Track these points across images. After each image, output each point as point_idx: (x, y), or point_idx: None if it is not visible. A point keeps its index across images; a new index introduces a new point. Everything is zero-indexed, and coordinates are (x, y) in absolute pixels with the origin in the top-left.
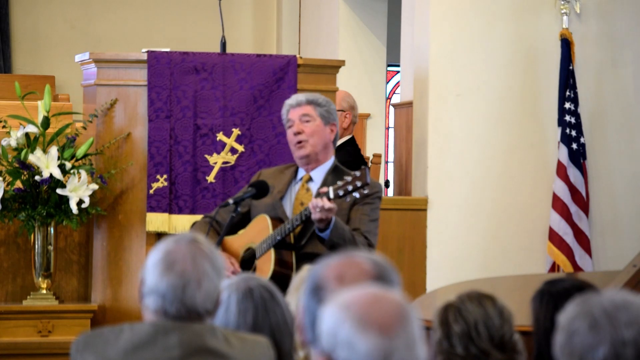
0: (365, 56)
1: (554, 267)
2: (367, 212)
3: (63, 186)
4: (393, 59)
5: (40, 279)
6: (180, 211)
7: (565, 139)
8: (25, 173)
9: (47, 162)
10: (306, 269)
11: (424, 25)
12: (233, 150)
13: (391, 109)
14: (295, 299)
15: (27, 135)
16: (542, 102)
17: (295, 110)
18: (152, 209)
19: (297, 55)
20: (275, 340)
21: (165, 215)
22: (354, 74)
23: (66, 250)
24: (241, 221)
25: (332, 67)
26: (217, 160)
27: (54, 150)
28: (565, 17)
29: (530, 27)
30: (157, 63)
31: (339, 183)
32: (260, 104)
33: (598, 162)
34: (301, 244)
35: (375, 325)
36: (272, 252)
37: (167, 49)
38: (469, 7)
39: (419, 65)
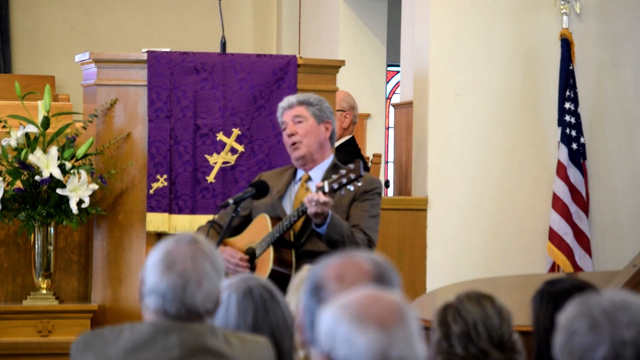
0: (365, 56)
1: (554, 267)
2: (367, 209)
3: (63, 186)
4: (393, 59)
5: (40, 279)
6: (180, 211)
7: (565, 139)
8: (25, 173)
9: (47, 162)
10: (306, 268)
11: (424, 25)
12: (233, 150)
13: (391, 109)
14: (295, 298)
15: (27, 135)
16: (542, 102)
17: (288, 112)
18: (152, 209)
19: (297, 55)
20: (275, 340)
21: (165, 215)
22: (354, 74)
23: (66, 250)
24: (244, 224)
25: (332, 67)
26: (217, 160)
27: (54, 150)
28: (565, 17)
29: (530, 27)
30: (157, 63)
31: (334, 177)
32: (260, 104)
33: (598, 162)
34: (301, 241)
35: (373, 321)
36: (270, 251)
37: (167, 49)
38: (469, 7)
39: (419, 65)
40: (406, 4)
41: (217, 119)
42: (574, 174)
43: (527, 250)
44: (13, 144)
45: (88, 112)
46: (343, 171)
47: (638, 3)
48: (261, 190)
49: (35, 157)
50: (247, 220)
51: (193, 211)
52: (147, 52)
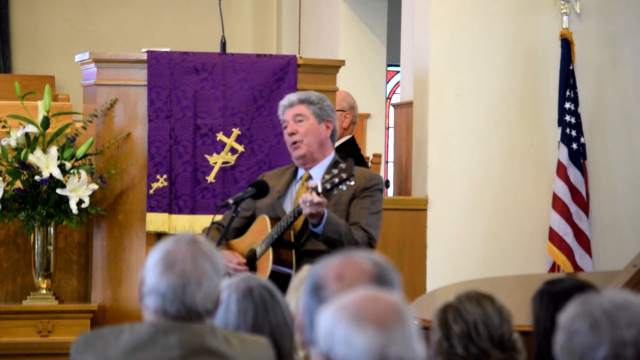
0: (365, 56)
1: (554, 267)
2: (367, 206)
3: (63, 186)
4: (393, 59)
5: (40, 279)
6: (180, 211)
7: (565, 139)
8: (25, 173)
9: (47, 162)
10: (306, 269)
11: (424, 25)
12: (233, 150)
13: (391, 109)
14: (295, 299)
15: (27, 135)
16: (542, 102)
17: (289, 111)
18: (152, 209)
19: (297, 55)
20: (275, 340)
21: (165, 215)
22: (354, 74)
23: (66, 250)
24: (248, 225)
25: (332, 67)
26: (217, 160)
27: (53, 150)
28: (565, 17)
29: (530, 27)
30: (157, 63)
31: (326, 177)
32: (260, 104)
33: (598, 162)
34: (301, 241)
35: (372, 321)
36: (270, 252)
37: (167, 49)
38: (469, 7)
39: (419, 65)
40: (406, 4)
41: (217, 119)
42: (574, 174)
43: (527, 250)
44: (13, 144)
45: (88, 112)
46: (335, 171)
47: (638, 3)
48: (261, 190)
49: (35, 157)
50: (251, 221)
51: (193, 211)
52: (147, 52)
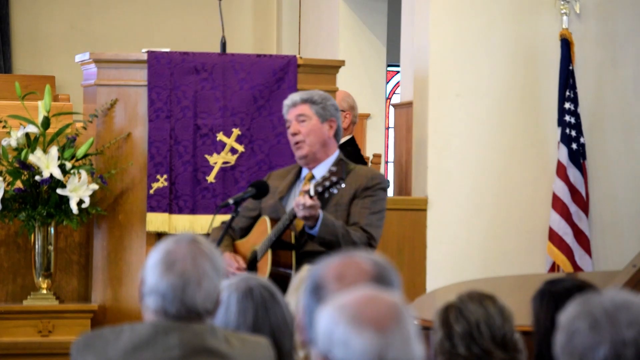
0: (365, 56)
1: (554, 267)
2: (368, 205)
3: (63, 186)
4: (393, 59)
5: (40, 279)
6: (180, 211)
7: (565, 139)
8: (25, 173)
9: (47, 162)
10: (306, 269)
11: (424, 25)
12: (233, 150)
13: (391, 109)
14: (295, 298)
15: (27, 135)
16: (542, 102)
17: (292, 111)
18: (152, 209)
19: (297, 56)
20: (275, 340)
21: (166, 215)
22: (354, 74)
23: (66, 250)
24: (254, 225)
25: (332, 67)
26: (217, 160)
27: (54, 150)
28: (565, 17)
29: (530, 27)
30: (157, 63)
31: (318, 180)
32: (260, 104)
33: (598, 162)
34: (301, 242)
35: (370, 322)
36: (269, 253)
37: (167, 49)
38: (469, 7)
39: (419, 65)
40: (406, 4)
41: (217, 119)
42: (573, 174)
43: (527, 250)
44: (13, 144)
45: (88, 112)
46: (327, 174)
47: (638, 3)
48: (261, 190)
49: (36, 157)
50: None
51: (193, 211)
52: (147, 52)
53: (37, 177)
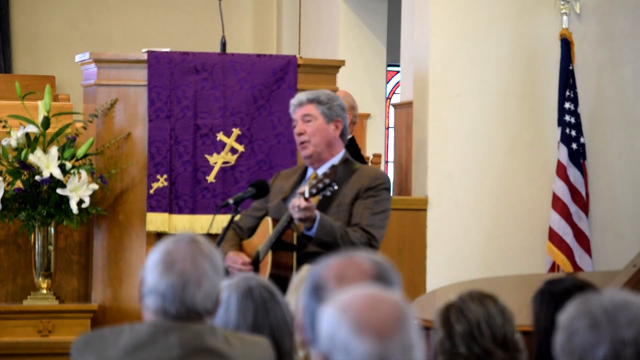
0: (365, 56)
1: (554, 267)
2: (370, 206)
3: (63, 186)
4: (393, 59)
5: (40, 278)
6: (180, 211)
7: (565, 139)
8: (25, 173)
9: (47, 162)
10: (306, 268)
11: (424, 25)
12: (233, 150)
13: (391, 109)
14: (295, 298)
15: (27, 135)
16: (542, 102)
17: (298, 110)
18: (152, 208)
19: (297, 55)
20: (275, 340)
21: (166, 215)
22: (354, 74)
23: (66, 250)
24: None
25: (332, 67)
26: (217, 160)
27: (54, 150)
28: (565, 17)
29: (530, 27)
30: (157, 63)
31: (313, 182)
32: (260, 104)
33: (598, 162)
34: (303, 243)
35: (372, 329)
36: (269, 254)
37: (167, 49)
38: (469, 7)
39: (419, 65)
40: (406, 4)
41: (217, 119)
42: (573, 174)
43: (527, 250)
44: (13, 144)
45: (88, 112)
46: (321, 176)
47: (638, 3)
48: (261, 190)
49: (36, 157)
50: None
51: (193, 211)
52: (147, 52)
53: (37, 177)
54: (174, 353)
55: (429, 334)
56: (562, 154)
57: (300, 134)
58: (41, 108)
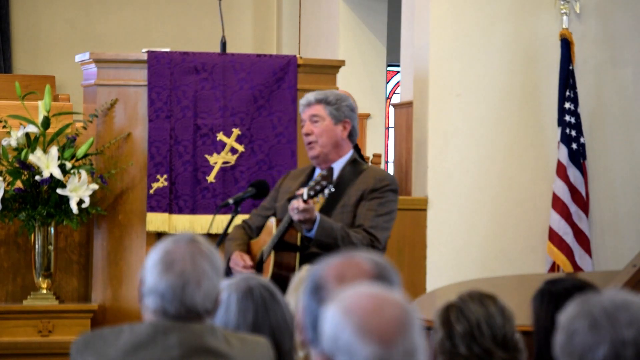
0: (365, 56)
1: (554, 267)
2: (374, 207)
3: (63, 186)
4: (393, 59)
5: (40, 278)
6: (180, 211)
7: (565, 139)
8: (25, 173)
9: (47, 162)
10: (306, 268)
11: (424, 25)
12: (233, 150)
13: (391, 109)
14: (295, 298)
15: (27, 135)
16: (542, 102)
17: (306, 110)
18: (152, 208)
19: (297, 55)
20: (275, 339)
21: (166, 215)
22: (354, 74)
23: (66, 250)
24: None
25: (332, 67)
26: (217, 160)
27: (54, 150)
28: (565, 17)
29: (530, 27)
30: (157, 63)
31: (311, 184)
32: (261, 104)
33: (598, 162)
34: (306, 244)
35: (375, 334)
36: (271, 255)
37: (167, 49)
38: (469, 7)
39: (419, 65)
40: (406, 4)
41: (217, 119)
42: (573, 173)
43: (527, 250)
44: (13, 144)
45: (88, 112)
46: (318, 178)
47: (638, 3)
48: (261, 190)
49: (36, 157)
50: None
51: (193, 211)
52: (147, 52)
53: (37, 177)
54: (173, 353)
55: (429, 334)
56: (562, 154)
57: (307, 134)
58: (41, 108)
